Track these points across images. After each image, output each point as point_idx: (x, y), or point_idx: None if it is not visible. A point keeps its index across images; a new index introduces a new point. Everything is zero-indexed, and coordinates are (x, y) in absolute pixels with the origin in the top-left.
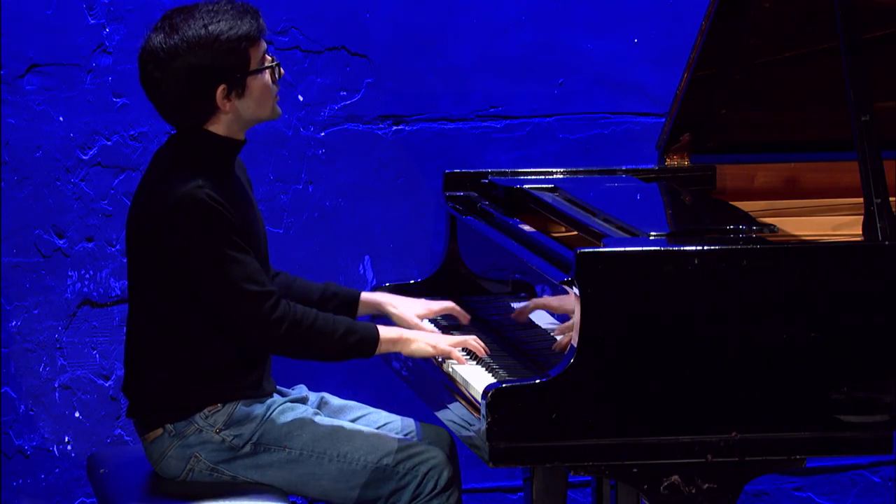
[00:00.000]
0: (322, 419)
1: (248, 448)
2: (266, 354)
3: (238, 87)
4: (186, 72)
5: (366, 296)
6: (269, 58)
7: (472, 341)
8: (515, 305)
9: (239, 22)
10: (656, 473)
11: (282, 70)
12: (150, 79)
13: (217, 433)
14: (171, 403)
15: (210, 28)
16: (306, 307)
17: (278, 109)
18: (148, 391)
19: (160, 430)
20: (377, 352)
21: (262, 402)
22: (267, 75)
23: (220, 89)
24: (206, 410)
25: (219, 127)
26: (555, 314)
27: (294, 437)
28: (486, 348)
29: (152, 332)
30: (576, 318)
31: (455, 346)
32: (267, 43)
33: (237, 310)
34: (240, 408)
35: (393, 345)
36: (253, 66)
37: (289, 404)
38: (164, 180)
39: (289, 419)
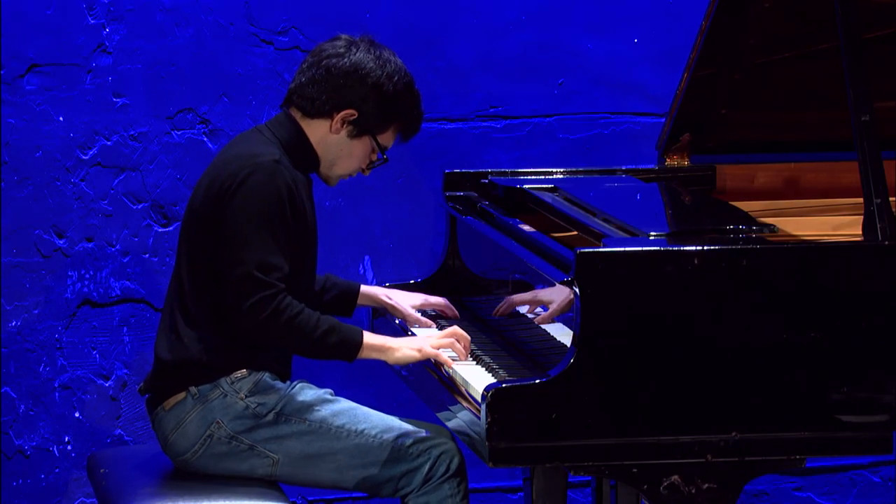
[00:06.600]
0: (341, 399)
1: (270, 417)
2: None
3: (357, 129)
4: (355, 69)
5: (365, 288)
6: (385, 156)
7: (457, 344)
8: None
9: (415, 106)
10: (656, 473)
11: (367, 171)
12: (325, 52)
13: (242, 399)
14: (200, 361)
15: (404, 79)
16: (296, 301)
17: (337, 182)
18: (179, 349)
19: (183, 394)
20: (360, 357)
21: (284, 381)
22: (372, 155)
23: (350, 112)
24: (232, 376)
25: (313, 136)
26: (554, 315)
27: (315, 411)
28: (468, 349)
29: (194, 293)
30: (576, 318)
31: (440, 347)
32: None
33: (232, 284)
34: (265, 378)
35: (376, 352)
36: (379, 137)
37: (308, 384)
38: (249, 149)
39: (309, 396)
